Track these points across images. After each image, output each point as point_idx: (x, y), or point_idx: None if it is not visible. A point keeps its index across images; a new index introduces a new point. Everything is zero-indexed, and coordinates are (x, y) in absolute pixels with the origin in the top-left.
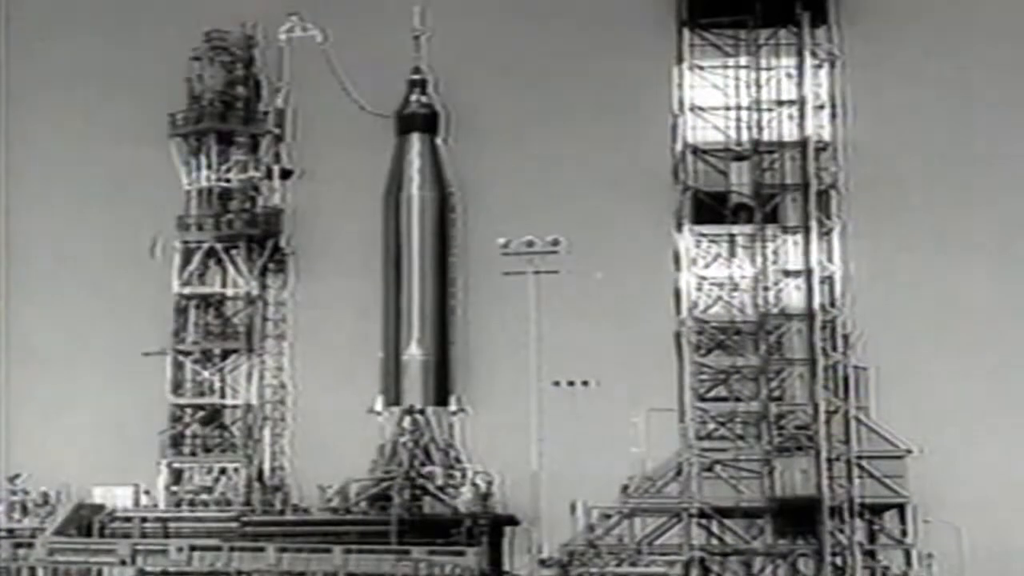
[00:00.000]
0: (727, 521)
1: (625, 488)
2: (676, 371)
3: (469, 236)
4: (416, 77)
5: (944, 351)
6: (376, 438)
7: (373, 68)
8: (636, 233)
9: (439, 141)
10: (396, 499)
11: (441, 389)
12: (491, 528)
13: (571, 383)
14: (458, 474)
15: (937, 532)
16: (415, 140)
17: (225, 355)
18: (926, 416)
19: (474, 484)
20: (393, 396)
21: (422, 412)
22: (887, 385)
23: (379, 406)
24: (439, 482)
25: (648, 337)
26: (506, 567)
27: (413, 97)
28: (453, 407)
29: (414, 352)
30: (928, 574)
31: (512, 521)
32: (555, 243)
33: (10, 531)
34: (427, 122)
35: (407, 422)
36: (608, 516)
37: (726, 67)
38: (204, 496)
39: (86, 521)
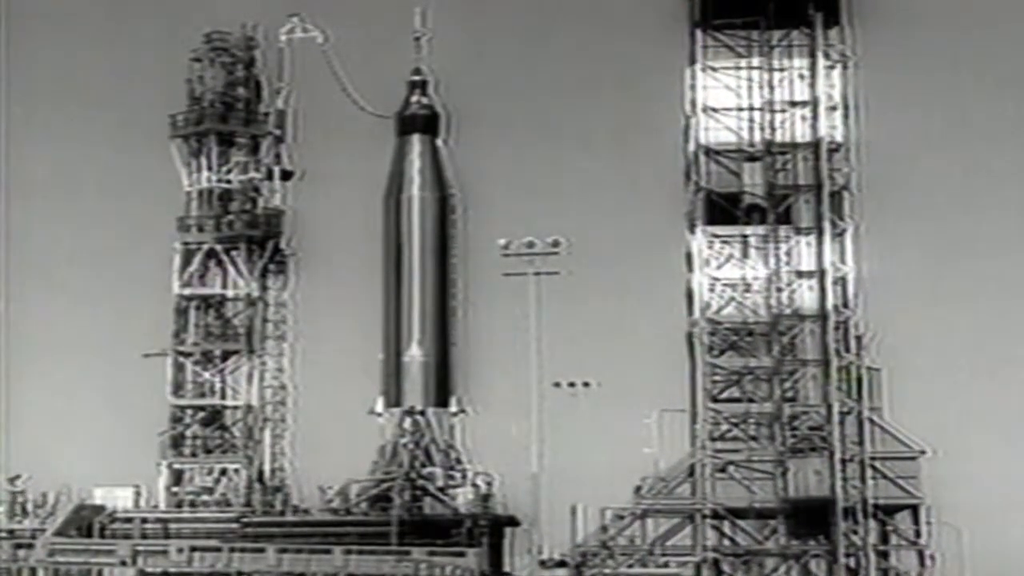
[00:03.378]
0: (740, 522)
1: (638, 489)
2: (683, 372)
3: (470, 237)
4: (417, 78)
5: (957, 352)
6: (376, 439)
7: (374, 69)
8: (646, 234)
9: (440, 142)
10: (396, 500)
11: (441, 390)
12: (491, 529)
13: (571, 384)
14: (458, 475)
15: (947, 533)
16: (415, 141)
17: (225, 356)
18: (939, 417)
19: (474, 485)
20: (394, 397)
21: (422, 413)
22: (900, 386)
23: (380, 407)
24: (439, 483)
25: (652, 338)
26: (506, 568)
27: (414, 98)
28: (453, 408)
29: (415, 353)
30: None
31: (512, 522)
32: (556, 244)
33: (11, 532)
34: (428, 123)
35: (408, 423)
36: (621, 517)
37: (739, 68)
38: (205, 497)
39: (86, 522)
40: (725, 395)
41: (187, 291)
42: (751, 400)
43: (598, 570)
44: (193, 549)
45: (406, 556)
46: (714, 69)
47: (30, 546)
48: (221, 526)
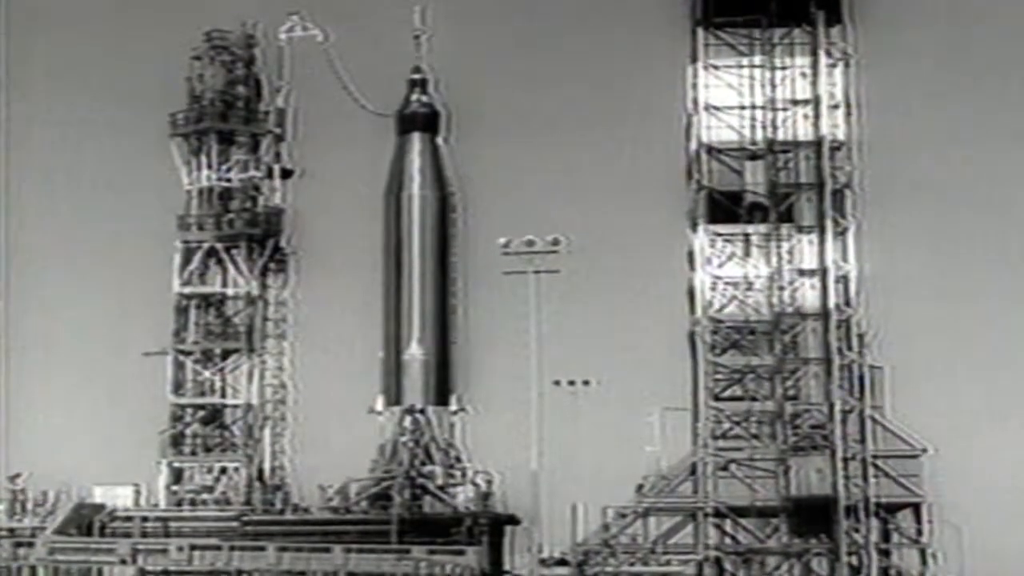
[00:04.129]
0: (742, 520)
1: (640, 487)
2: (685, 371)
3: (470, 236)
4: (417, 76)
5: (959, 350)
6: (376, 437)
7: (374, 67)
8: (648, 232)
9: (440, 140)
10: (396, 498)
11: (441, 389)
12: (491, 527)
13: (571, 382)
14: (458, 473)
15: (948, 531)
16: (416, 139)
17: (226, 355)
18: (941, 415)
19: (474, 483)
20: (394, 396)
21: (422, 412)
22: (902, 384)
23: (380, 406)
24: (439, 481)
25: (654, 337)
26: (506, 566)
27: (414, 96)
28: (453, 407)
29: (414, 352)
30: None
31: (512, 520)
32: (556, 242)
33: (11, 530)
34: (428, 121)
35: (408, 421)
36: (623, 515)
37: (740, 66)
38: (205, 495)
39: (86, 520)
40: (727, 393)
41: (187, 289)
42: (753, 398)
43: (599, 568)
44: (193, 548)
45: (406, 555)
46: (716, 67)
47: (30, 544)
48: (221, 524)
